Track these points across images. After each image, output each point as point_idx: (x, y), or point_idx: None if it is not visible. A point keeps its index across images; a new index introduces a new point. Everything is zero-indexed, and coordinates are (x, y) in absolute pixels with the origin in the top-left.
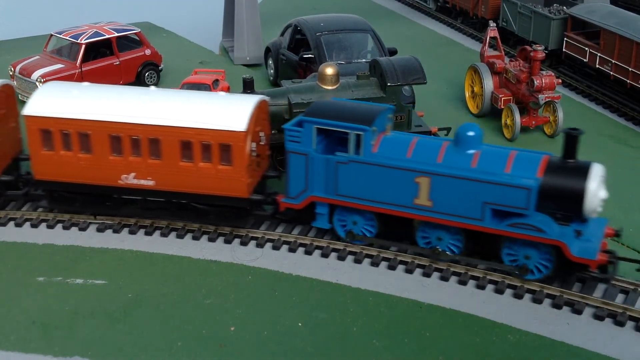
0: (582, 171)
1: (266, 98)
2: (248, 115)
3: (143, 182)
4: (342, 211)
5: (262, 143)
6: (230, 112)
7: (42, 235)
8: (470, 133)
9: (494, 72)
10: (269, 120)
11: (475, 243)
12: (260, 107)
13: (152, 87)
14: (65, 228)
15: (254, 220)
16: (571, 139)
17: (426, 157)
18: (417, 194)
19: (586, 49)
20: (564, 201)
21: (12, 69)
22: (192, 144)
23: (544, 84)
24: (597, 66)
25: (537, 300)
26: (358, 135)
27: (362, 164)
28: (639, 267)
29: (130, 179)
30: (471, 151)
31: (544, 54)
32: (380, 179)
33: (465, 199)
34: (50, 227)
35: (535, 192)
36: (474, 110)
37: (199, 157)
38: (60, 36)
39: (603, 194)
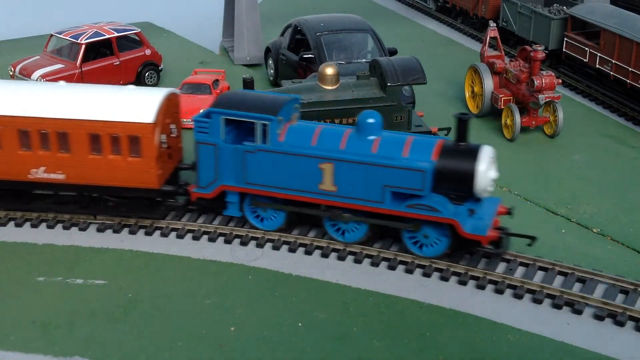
0: (473, 153)
1: (176, 91)
2: (156, 108)
3: (53, 176)
4: (252, 199)
5: (173, 135)
6: (138, 105)
7: (42, 235)
8: (370, 120)
9: (494, 72)
10: (180, 113)
11: (379, 226)
12: (170, 100)
13: (62, 82)
14: (65, 228)
15: (166, 211)
16: (462, 123)
17: (330, 145)
18: (321, 179)
19: (586, 49)
20: (456, 182)
21: (12, 69)
22: (101, 136)
23: (544, 84)
24: (597, 66)
25: (537, 300)
26: (264, 125)
27: (269, 152)
28: (529, 243)
29: (40, 173)
30: (371, 137)
31: (544, 54)
32: (287, 167)
33: (366, 183)
34: (50, 227)
35: (430, 174)
36: (474, 110)
37: (109, 149)
38: (60, 36)
39: (493, 174)
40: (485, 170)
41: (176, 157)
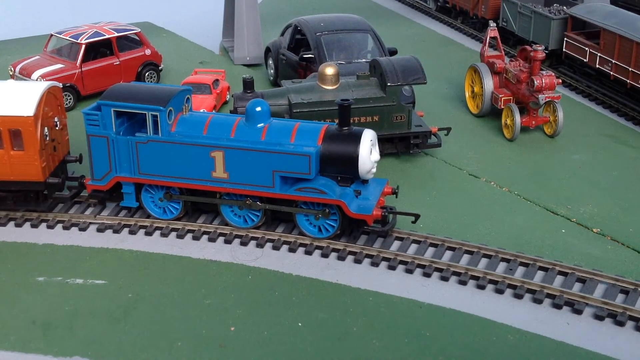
0: (355, 138)
1: (58, 84)
2: (36, 101)
3: None
4: (148, 189)
5: (57, 128)
6: (18, 98)
7: (42, 235)
8: (258, 108)
9: (494, 72)
10: (64, 106)
11: (273, 211)
12: (51, 93)
13: None
14: (65, 228)
15: (53, 204)
16: (344, 109)
17: (220, 133)
18: (213, 167)
19: (586, 49)
20: (341, 165)
21: (12, 69)
22: None
23: (544, 84)
24: (597, 66)
25: (537, 300)
26: (155, 116)
27: (161, 142)
28: (414, 220)
29: None
30: (260, 125)
31: (544, 54)
32: (180, 156)
33: (256, 169)
34: (50, 227)
35: (315, 158)
36: (474, 110)
37: None
38: (60, 36)
39: (375, 157)
40: (368, 153)
41: (62, 150)
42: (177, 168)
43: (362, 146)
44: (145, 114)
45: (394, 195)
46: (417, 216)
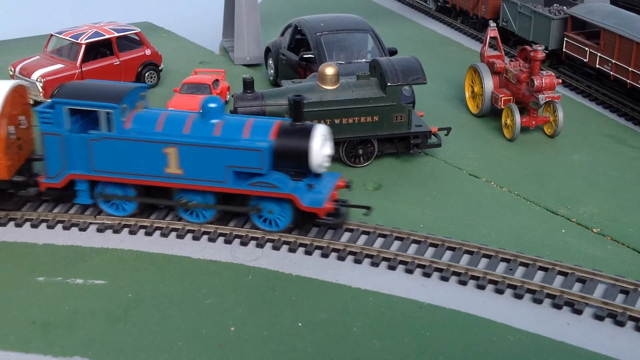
0: (307, 132)
1: (24, 83)
2: (1, 100)
3: None
4: (103, 186)
5: (22, 127)
6: None
7: (42, 235)
8: (212, 105)
9: (494, 72)
10: (30, 105)
11: (228, 205)
12: (16, 92)
13: None
14: (65, 228)
15: (19, 202)
16: (297, 104)
17: (174, 130)
18: (167, 163)
19: (586, 49)
20: (293, 159)
21: (12, 69)
22: None
23: (544, 84)
24: (597, 66)
25: (537, 300)
26: (108, 113)
27: (114, 140)
28: (365, 212)
29: None
30: (214, 121)
31: (544, 54)
32: (133, 153)
33: (210, 164)
34: (50, 227)
35: (268, 153)
36: (474, 110)
37: None
38: (60, 36)
39: (327, 151)
40: (319, 147)
41: (28, 149)
42: (131, 165)
43: (314, 140)
44: (99, 111)
45: (347, 188)
46: (368, 208)
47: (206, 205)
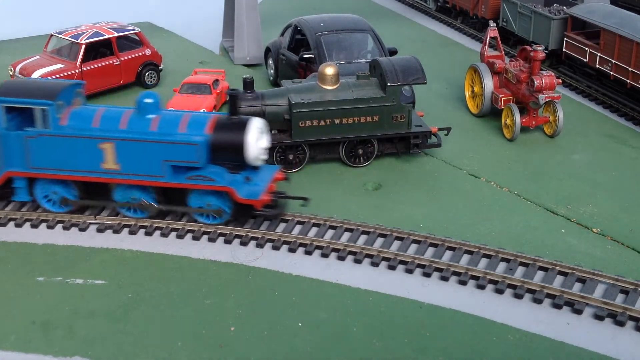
0: (242, 126)
1: None
2: None
3: None
4: (42, 183)
5: None
6: None
7: (42, 235)
8: (148, 100)
9: (494, 72)
10: None
11: (168, 199)
12: None
13: None
14: (65, 228)
15: None
16: (232, 98)
17: (110, 125)
18: (103, 159)
19: (586, 49)
20: (229, 152)
21: (12, 69)
22: None
23: (544, 84)
24: (597, 66)
25: (537, 300)
26: (43, 110)
27: (50, 136)
28: (303, 204)
29: None
30: (150, 116)
31: (544, 54)
32: (70, 149)
33: (147, 159)
34: (50, 227)
35: (204, 147)
36: (474, 110)
37: None
38: (60, 36)
39: (264, 144)
40: (255, 140)
41: None
42: (68, 161)
43: (249, 134)
44: (34, 108)
45: (286, 180)
46: (306, 199)
47: (151, 205)
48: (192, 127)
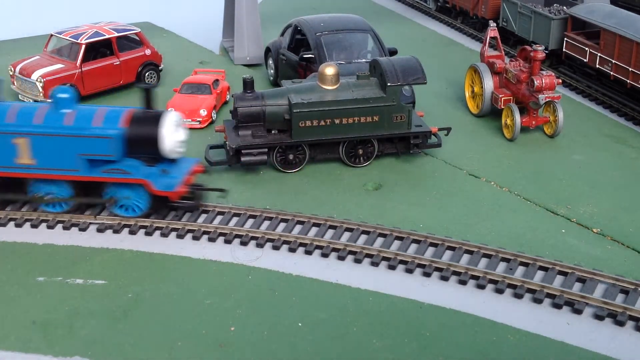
0: (157, 119)
1: None
2: None
3: None
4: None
5: None
6: None
7: (42, 235)
8: (62, 95)
9: (494, 72)
10: None
11: (86, 193)
12: None
13: None
14: (65, 228)
15: None
16: (146, 92)
17: (24, 120)
18: (18, 154)
19: (586, 49)
20: (144, 145)
21: (12, 69)
22: None
23: (544, 84)
24: (597, 66)
25: (537, 300)
26: None
27: None
28: (221, 195)
29: None
30: (65, 111)
31: (544, 54)
32: None
33: (62, 153)
34: (50, 227)
35: (118, 140)
36: (474, 110)
37: None
38: (60, 36)
39: (180, 136)
40: (170, 133)
41: None
42: None
43: (164, 126)
44: None
45: (205, 172)
46: (223, 190)
47: (61, 199)
48: (107, 120)
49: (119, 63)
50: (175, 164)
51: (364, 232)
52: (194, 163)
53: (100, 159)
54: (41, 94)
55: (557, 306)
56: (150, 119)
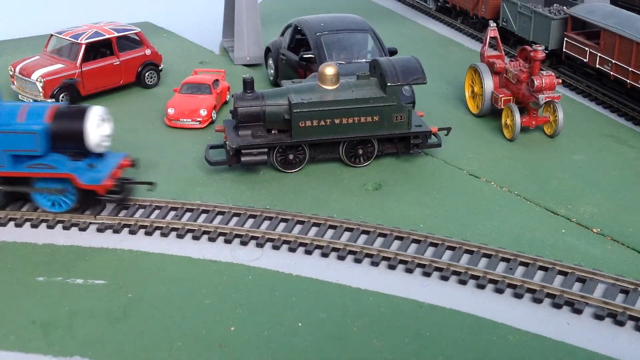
0: (81, 114)
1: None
2: None
3: None
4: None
5: None
6: None
7: (42, 235)
8: None
9: (494, 72)
10: None
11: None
12: None
13: None
14: (65, 228)
15: None
16: (70, 87)
17: None
18: None
19: (586, 49)
20: (70, 140)
21: (12, 69)
22: None
23: (544, 84)
24: (597, 66)
25: (537, 300)
26: None
27: None
28: (149, 188)
29: None
30: None
31: (544, 54)
32: None
33: None
34: (50, 227)
35: (43, 135)
36: (474, 110)
37: None
38: (60, 36)
39: (105, 130)
40: (95, 127)
41: None
42: None
43: (88, 121)
44: None
45: (133, 166)
46: (151, 184)
47: None
48: (30, 116)
49: (118, 63)
50: (103, 158)
51: (364, 232)
52: (122, 157)
53: (25, 155)
54: (41, 94)
55: (557, 306)
56: (74, 113)
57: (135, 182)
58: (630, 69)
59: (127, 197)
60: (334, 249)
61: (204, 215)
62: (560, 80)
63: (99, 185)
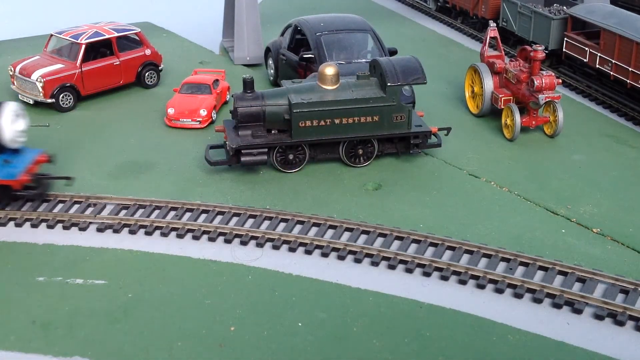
0: None
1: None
2: None
3: None
4: None
5: None
6: None
7: (42, 235)
8: None
9: (494, 72)
10: None
11: None
12: None
13: None
14: (65, 228)
15: None
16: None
17: None
18: None
19: (586, 49)
20: None
21: (12, 69)
22: None
23: (544, 84)
24: (597, 66)
25: (537, 300)
26: None
27: None
28: (67, 183)
29: None
30: None
31: (544, 54)
32: None
33: None
34: (50, 227)
35: None
36: (474, 110)
37: None
38: (60, 36)
39: (20, 126)
40: (9, 123)
41: None
42: None
43: (2, 117)
44: None
45: (50, 162)
46: (69, 179)
47: None
48: None
49: (118, 63)
50: (18, 154)
51: (364, 232)
52: (38, 153)
53: None
54: (41, 94)
55: (557, 306)
56: None
57: (52, 177)
58: (630, 69)
59: (44, 192)
60: (334, 249)
61: (204, 215)
62: (560, 80)
63: (14, 180)
